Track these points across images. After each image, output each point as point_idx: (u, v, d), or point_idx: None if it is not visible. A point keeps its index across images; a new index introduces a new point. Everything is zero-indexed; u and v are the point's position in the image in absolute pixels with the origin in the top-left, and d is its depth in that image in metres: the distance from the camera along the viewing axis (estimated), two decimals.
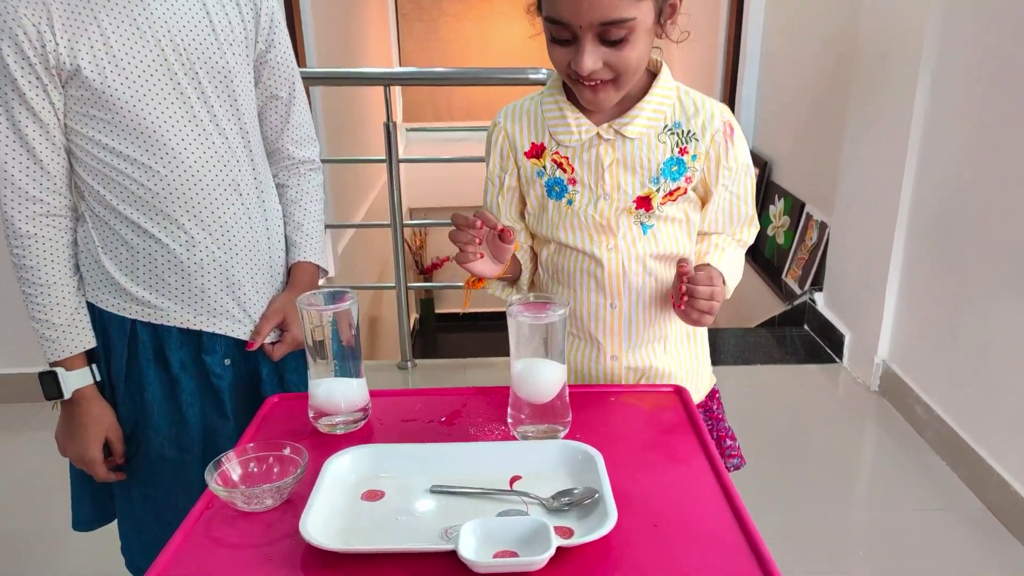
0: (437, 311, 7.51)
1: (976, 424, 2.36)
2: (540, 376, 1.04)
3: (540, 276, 1.31)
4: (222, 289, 1.28)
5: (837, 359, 3.15)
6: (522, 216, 1.30)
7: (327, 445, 1.06)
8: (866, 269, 2.92)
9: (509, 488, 0.96)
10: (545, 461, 1.00)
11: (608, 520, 0.84)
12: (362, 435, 1.10)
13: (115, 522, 1.40)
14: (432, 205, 7.03)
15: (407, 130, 7.02)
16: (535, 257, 1.32)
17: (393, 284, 3.04)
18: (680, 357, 1.31)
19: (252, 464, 0.98)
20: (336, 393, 1.10)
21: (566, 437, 1.07)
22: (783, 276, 3.78)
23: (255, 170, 1.31)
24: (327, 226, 3.98)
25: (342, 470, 0.97)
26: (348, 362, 1.10)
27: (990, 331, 2.28)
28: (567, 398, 1.07)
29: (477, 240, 1.11)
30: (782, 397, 3.01)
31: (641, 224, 1.21)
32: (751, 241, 1.31)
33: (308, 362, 1.10)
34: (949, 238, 2.48)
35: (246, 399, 1.35)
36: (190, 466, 1.29)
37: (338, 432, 1.10)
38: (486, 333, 7.32)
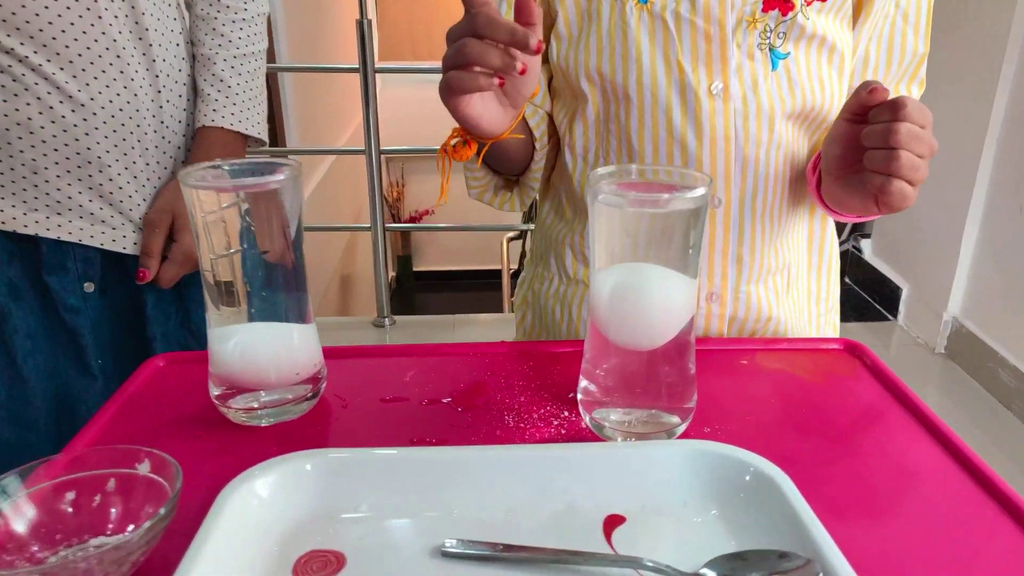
0: (416, 268, 6.97)
1: None
2: (653, 295, 0.54)
3: (564, 170, 0.80)
4: (70, 170, 0.77)
5: (890, 316, 2.70)
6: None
7: (236, 452, 0.56)
8: (935, 209, 2.45)
9: (608, 549, 0.46)
10: (673, 484, 0.50)
11: None
12: (306, 430, 0.60)
13: None
14: (411, 146, 6.47)
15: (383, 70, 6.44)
16: (555, 138, 0.81)
17: (368, 225, 2.52)
18: (804, 301, 0.82)
19: (68, 496, 0.48)
20: (258, 351, 0.59)
21: (690, 432, 0.58)
22: None
23: None
24: (296, 151, 3.42)
25: (258, 509, 0.47)
26: (280, 295, 0.59)
27: None
28: (693, 359, 0.58)
29: (500, 63, 0.56)
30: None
31: (771, 52, 0.70)
32: None
33: (204, 294, 0.59)
34: None
35: (127, 348, 0.86)
36: (36, 450, 0.80)
37: (262, 424, 0.60)
38: (470, 293, 6.81)
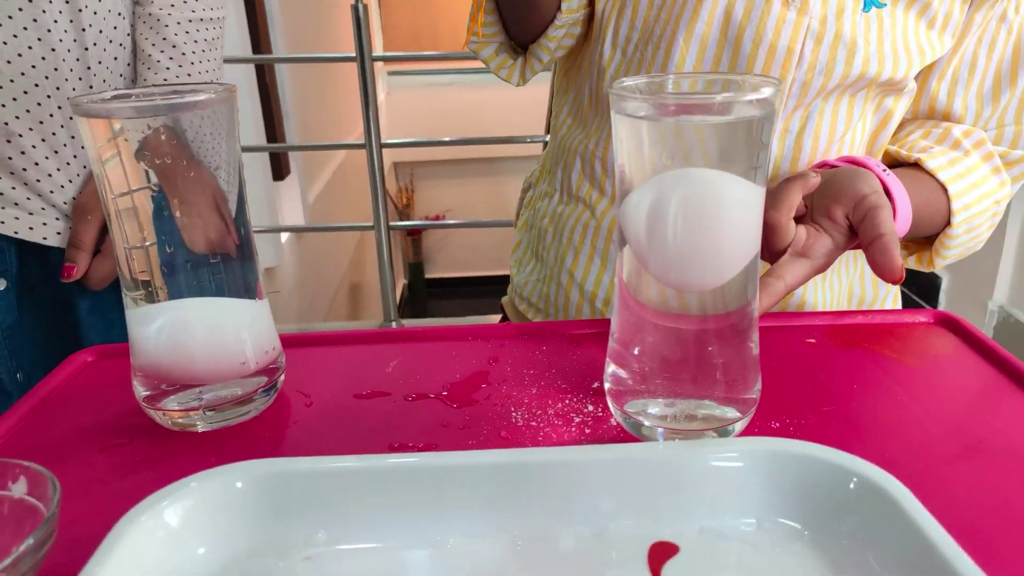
0: (428, 276, 6.85)
1: None
2: (715, 201, 0.39)
3: (595, 63, 0.66)
4: None
5: (928, 306, 2.54)
6: None
7: (163, 466, 0.43)
8: None
9: None
10: (742, 499, 0.36)
11: None
12: (259, 435, 0.47)
13: None
14: (418, 159, 6.39)
15: (388, 73, 6.31)
16: (589, 15, 0.68)
17: (371, 224, 2.39)
18: (847, 289, 0.69)
19: None
20: (192, 336, 0.46)
21: (752, 430, 0.44)
22: None
23: None
24: (293, 147, 3.28)
25: (166, 545, 0.34)
26: (218, 263, 0.46)
27: None
28: (756, 334, 0.44)
29: None
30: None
31: None
32: (1021, 177, 0.67)
33: (119, 269, 0.46)
34: None
35: (56, 353, 0.73)
36: None
37: (200, 428, 0.47)
38: (483, 300, 6.68)
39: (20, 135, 0.67)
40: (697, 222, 0.40)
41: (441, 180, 6.48)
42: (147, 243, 0.44)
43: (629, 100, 0.39)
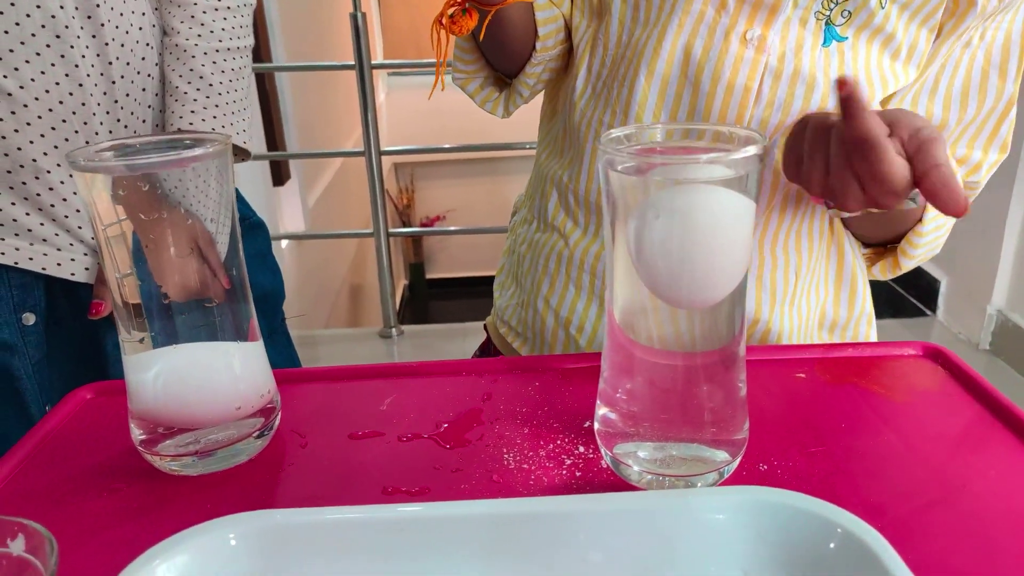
0: (428, 276, 6.86)
1: None
2: (708, 209, 0.39)
3: (570, 95, 0.67)
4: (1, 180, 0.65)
5: (928, 311, 2.54)
6: None
7: (159, 513, 0.43)
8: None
9: None
10: (728, 550, 0.37)
11: None
12: (254, 479, 0.47)
13: None
14: (419, 160, 6.38)
15: (388, 74, 6.30)
16: (566, 50, 0.69)
17: (371, 231, 2.40)
18: (814, 316, 0.69)
19: None
20: (187, 383, 0.46)
21: (741, 472, 0.44)
22: None
23: None
24: (293, 155, 3.29)
25: None
26: (211, 306, 0.46)
27: None
28: (744, 373, 0.44)
29: None
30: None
31: (827, 27, 0.58)
32: (983, 181, 0.66)
33: (115, 311, 0.46)
34: None
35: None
36: None
37: (195, 473, 0.47)
38: (485, 299, 6.68)
39: (48, 171, 0.67)
40: (688, 233, 0.40)
41: (442, 180, 6.48)
42: (129, 272, 0.44)
43: (615, 156, 0.39)
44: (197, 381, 0.46)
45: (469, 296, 6.63)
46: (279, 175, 3.23)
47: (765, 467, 0.46)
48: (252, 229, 0.89)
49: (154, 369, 0.46)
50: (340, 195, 4.33)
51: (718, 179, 0.38)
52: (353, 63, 2.16)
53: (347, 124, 4.79)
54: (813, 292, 0.67)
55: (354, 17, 2.09)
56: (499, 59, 0.69)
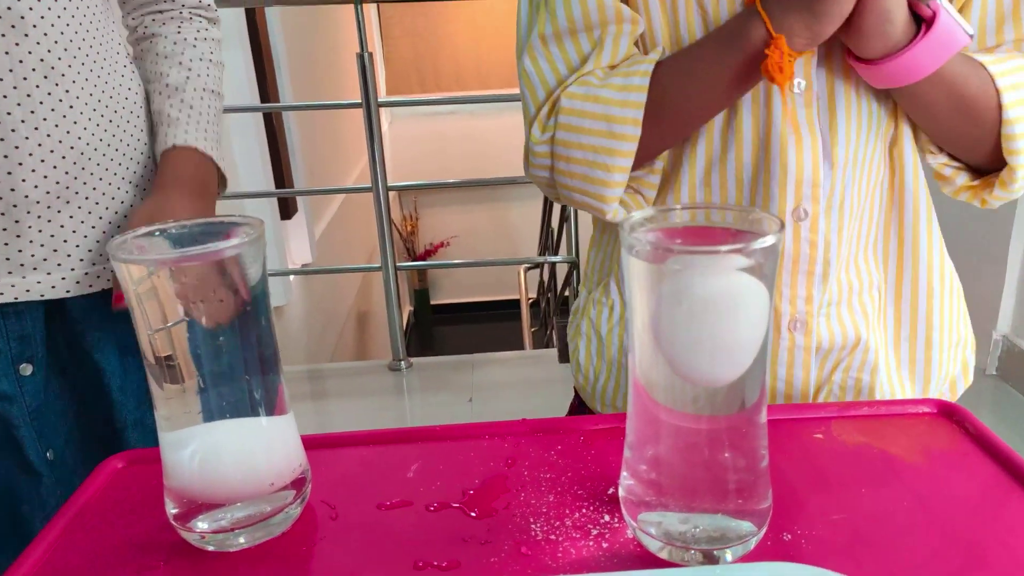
0: (433, 302, 6.88)
1: None
2: (721, 288, 0.41)
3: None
4: None
5: None
6: None
7: None
8: (978, 219, 2.31)
9: None
10: None
11: None
12: (287, 553, 0.48)
13: None
14: (419, 182, 6.43)
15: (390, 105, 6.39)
16: None
17: (379, 266, 2.42)
18: (895, 330, 0.72)
19: None
20: (222, 460, 0.48)
21: (766, 543, 0.45)
22: None
23: None
24: (301, 192, 3.33)
25: None
26: (244, 383, 0.48)
27: None
28: (766, 442, 0.46)
29: None
30: None
31: None
32: None
33: (151, 388, 0.48)
34: None
35: (90, 435, 0.75)
36: None
37: (231, 549, 0.49)
38: (490, 324, 6.70)
39: (28, 199, 0.69)
40: (704, 320, 0.41)
41: (445, 207, 6.52)
42: (161, 327, 0.46)
43: (634, 243, 0.41)
44: (233, 459, 0.48)
45: (474, 321, 6.65)
46: (286, 209, 3.26)
47: (789, 536, 0.47)
48: None
49: (190, 448, 0.47)
50: (346, 225, 4.36)
51: (735, 267, 0.40)
52: (360, 101, 2.19)
53: (353, 154, 4.83)
54: (896, 307, 0.70)
55: (360, 57, 2.13)
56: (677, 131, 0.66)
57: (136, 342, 0.46)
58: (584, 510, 0.50)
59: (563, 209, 3.08)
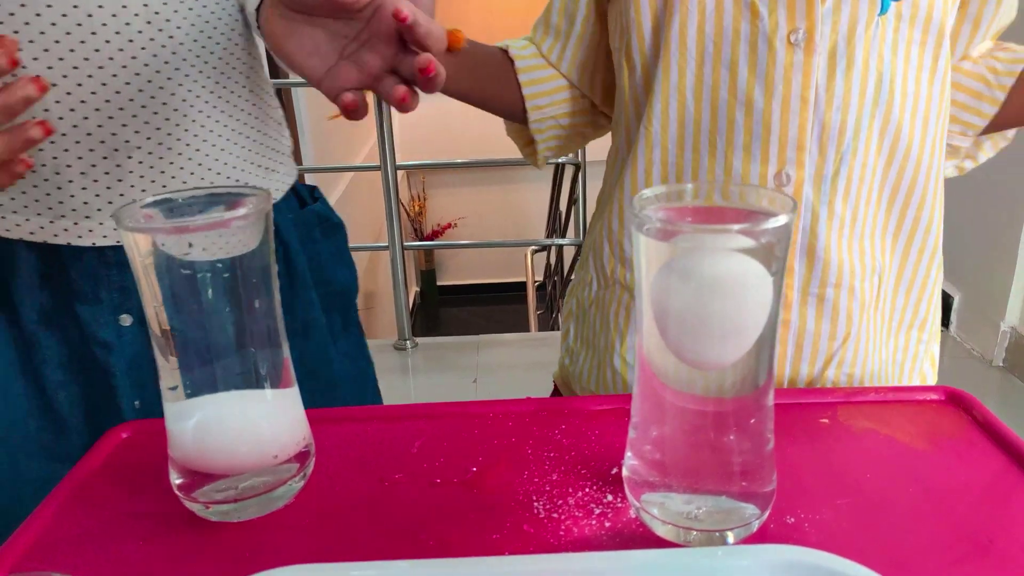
0: (440, 283, 6.88)
1: None
2: (722, 272, 0.41)
3: (640, 147, 0.67)
4: (95, 163, 0.65)
5: (941, 328, 2.53)
6: None
7: (197, 562, 0.44)
8: (989, 210, 2.29)
9: None
10: None
11: None
12: (288, 524, 0.49)
13: None
14: (427, 160, 6.41)
15: None
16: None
17: (386, 244, 2.42)
18: (894, 323, 0.71)
19: None
20: (225, 433, 0.48)
21: (769, 526, 0.45)
22: None
23: None
24: (309, 169, 3.31)
25: None
26: (252, 356, 0.48)
27: None
28: (772, 425, 0.45)
29: None
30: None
31: None
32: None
33: (153, 347, 0.48)
34: None
35: None
36: None
37: (233, 520, 0.49)
38: (496, 306, 6.70)
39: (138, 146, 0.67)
40: (709, 299, 0.41)
41: (453, 188, 6.50)
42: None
43: (646, 222, 0.40)
44: (237, 431, 0.48)
45: (480, 303, 6.65)
46: None
47: (792, 520, 0.46)
48: (333, 228, 0.95)
49: (194, 418, 0.47)
50: (354, 204, 4.36)
51: (744, 247, 0.39)
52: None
53: (362, 132, 4.82)
54: (894, 298, 0.70)
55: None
56: (490, 109, 0.78)
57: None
58: (587, 489, 0.50)
59: (572, 191, 3.07)
